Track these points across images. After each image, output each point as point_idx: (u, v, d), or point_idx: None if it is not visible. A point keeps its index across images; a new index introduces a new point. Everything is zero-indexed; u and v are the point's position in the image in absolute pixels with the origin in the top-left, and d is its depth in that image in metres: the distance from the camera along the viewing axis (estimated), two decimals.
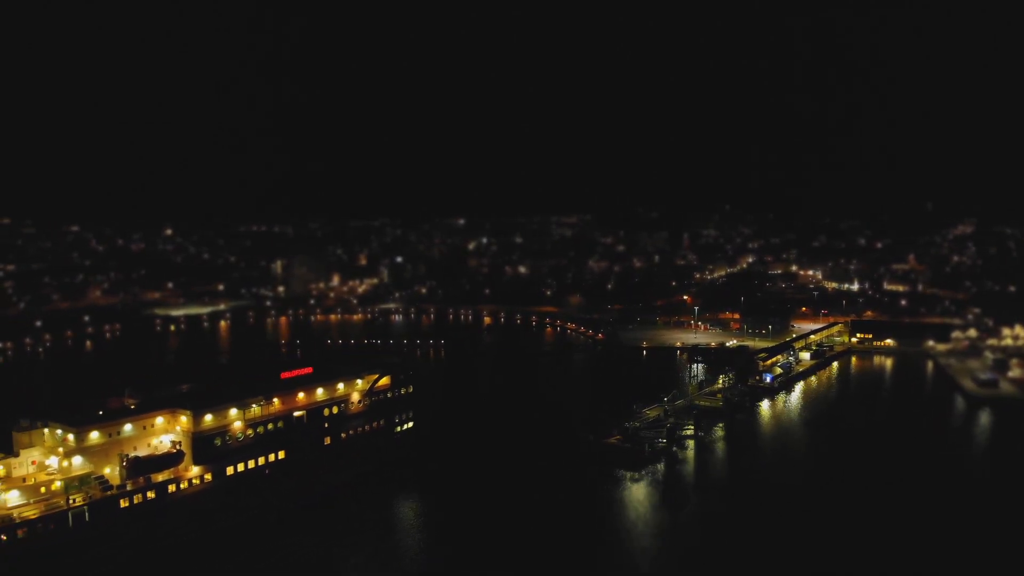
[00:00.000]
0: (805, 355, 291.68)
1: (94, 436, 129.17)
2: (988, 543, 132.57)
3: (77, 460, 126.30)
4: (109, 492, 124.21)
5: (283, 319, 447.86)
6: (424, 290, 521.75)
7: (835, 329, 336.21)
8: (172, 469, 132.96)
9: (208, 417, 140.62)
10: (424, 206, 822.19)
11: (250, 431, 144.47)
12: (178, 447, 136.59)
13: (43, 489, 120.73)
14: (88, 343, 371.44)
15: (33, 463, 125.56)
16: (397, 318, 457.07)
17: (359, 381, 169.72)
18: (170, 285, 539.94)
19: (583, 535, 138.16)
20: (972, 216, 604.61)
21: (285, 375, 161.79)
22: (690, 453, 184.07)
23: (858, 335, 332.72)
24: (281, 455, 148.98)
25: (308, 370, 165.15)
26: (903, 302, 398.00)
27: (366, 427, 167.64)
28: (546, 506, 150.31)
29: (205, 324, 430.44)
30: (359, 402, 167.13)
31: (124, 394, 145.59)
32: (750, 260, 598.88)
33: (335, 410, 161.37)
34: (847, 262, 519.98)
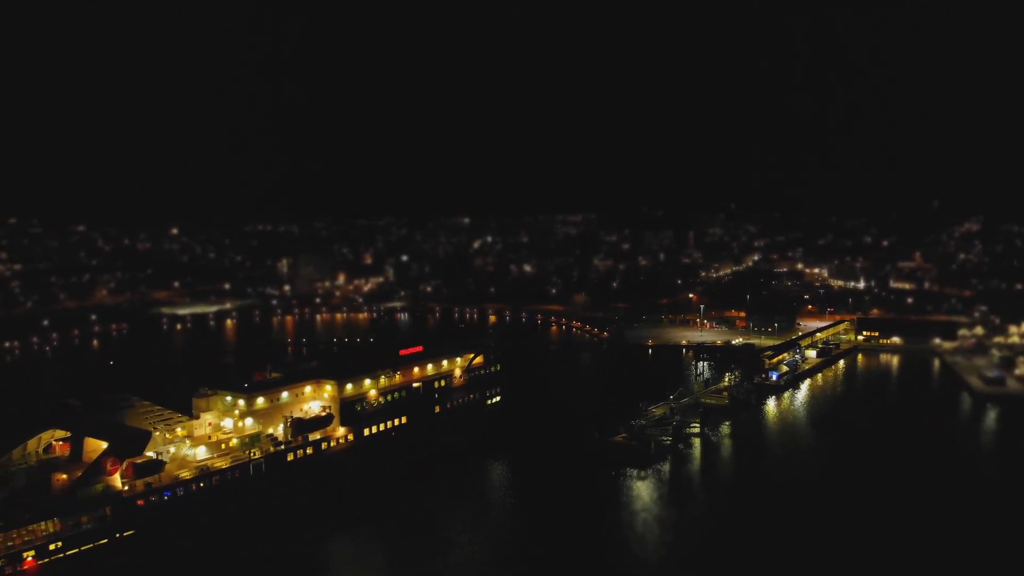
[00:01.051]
0: (811, 353, 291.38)
1: (260, 401, 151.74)
2: (995, 541, 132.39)
3: (249, 421, 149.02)
4: (279, 448, 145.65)
5: (289, 318, 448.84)
6: (429, 289, 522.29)
7: (841, 327, 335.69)
8: (323, 429, 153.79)
9: (349, 386, 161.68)
10: (429, 205, 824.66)
11: (381, 399, 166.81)
12: (327, 411, 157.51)
13: (223, 445, 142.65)
14: (95, 342, 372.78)
15: (209, 424, 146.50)
16: (402, 317, 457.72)
17: (459, 359, 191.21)
18: (176, 284, 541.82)
19: (589, 533, 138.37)
20: (978, 213, 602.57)
21: (403, 352, 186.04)
22: (696, 451, 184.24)
23: (864, 333, 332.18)
24: (404, 420, 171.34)
25: (419, 348, 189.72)
26: (909, 300, 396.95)
27: (465, 399, 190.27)
28: (553, 504, 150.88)
29: (211, 323, 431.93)
30: (460, 377, 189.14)
31: (267, 370, 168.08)
32: (756, 258, 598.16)
33: (442, 383, 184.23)
34: (853, 260, 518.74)
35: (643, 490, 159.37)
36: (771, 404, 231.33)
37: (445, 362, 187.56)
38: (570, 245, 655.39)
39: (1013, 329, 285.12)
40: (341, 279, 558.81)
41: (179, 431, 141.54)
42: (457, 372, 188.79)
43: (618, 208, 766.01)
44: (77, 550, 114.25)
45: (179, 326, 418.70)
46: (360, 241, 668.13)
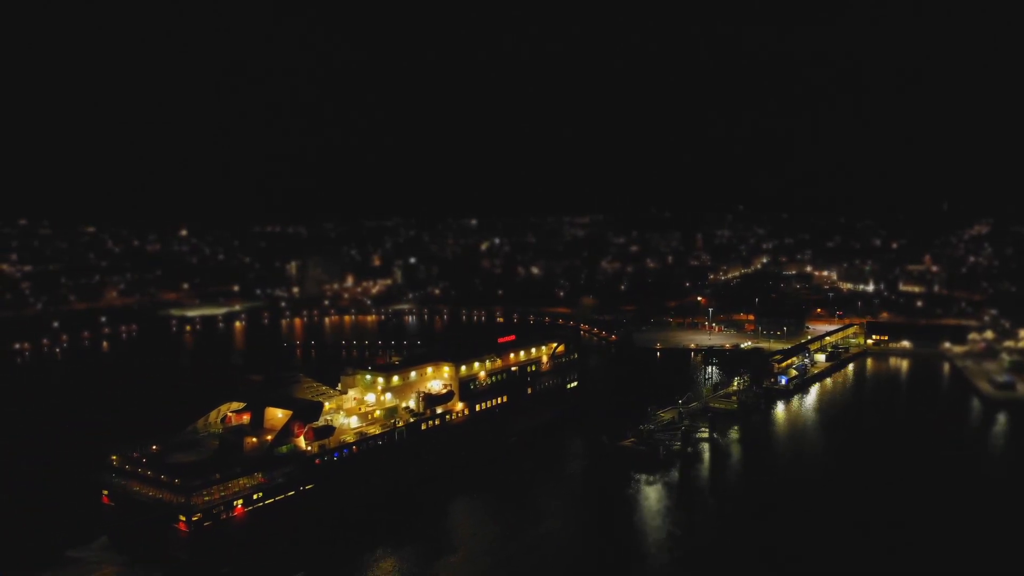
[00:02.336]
0: (820, 357, 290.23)
1: (395, 379, 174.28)
2: (1005, 545, 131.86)
3: (388, 396, 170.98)
4: (415, 418, 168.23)
5: (297, 320, 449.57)
6: (437, 291, 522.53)
7: (850, 331, 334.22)
8: (446, 404, 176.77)
9: (463, 368, 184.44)
10: (438, 206, 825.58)
11: (488, 379, 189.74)
12: (448, 388, 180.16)
13: (369, 416, 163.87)
14: (105, 343, 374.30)
15: (355, 399, 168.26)
16: (410, 319, 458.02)
17: (545, 347, 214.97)
18: (185, 286, 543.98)
19: (598, 536, 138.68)
20: (988, 216, 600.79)
21: (501, 340, 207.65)
22: (705, 456, 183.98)
23: (873, 337, 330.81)
24: (504, 399, 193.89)
25: (513, 337, 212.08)
26: (919, 303, 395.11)
27: (550, 382, 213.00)
28: (562, 508, 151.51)
29: (220, 325, 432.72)
30: (546, 363, 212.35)
31: (389, 355, 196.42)
32: (764, 261, 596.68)
33: (532, 368, 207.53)
34: (862, 263, 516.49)
35: (651, 494, 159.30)
36: (780, 409, 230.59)
37: (534, 350, 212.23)
38: (578, 247, 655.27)
39: (1023, 333, 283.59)
40: (349, 281, 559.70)
41: (334, 403, 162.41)
42: (544, 359, 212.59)
43: (626, 210, 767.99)
44: (272, 500, 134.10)
45: (188, 328, 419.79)
46: (368, 243, 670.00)
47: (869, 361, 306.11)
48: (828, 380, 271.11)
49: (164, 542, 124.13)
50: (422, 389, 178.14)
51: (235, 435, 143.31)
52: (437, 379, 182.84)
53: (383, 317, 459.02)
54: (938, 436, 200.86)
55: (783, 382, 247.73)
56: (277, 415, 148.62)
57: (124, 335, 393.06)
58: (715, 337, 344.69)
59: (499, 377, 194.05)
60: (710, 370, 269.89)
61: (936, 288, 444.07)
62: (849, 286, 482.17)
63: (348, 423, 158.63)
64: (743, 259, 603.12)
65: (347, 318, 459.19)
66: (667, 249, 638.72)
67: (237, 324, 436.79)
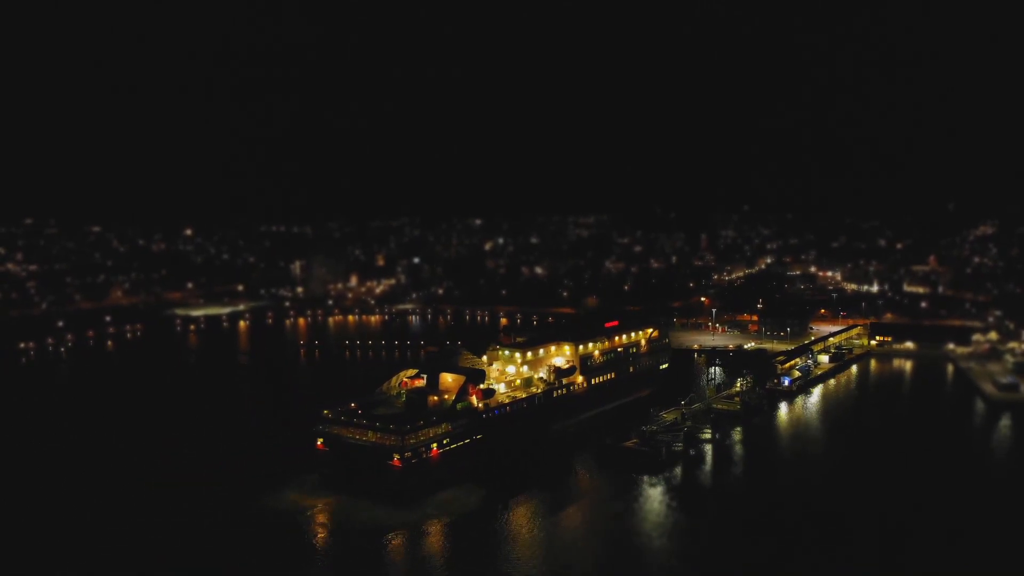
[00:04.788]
0: (824, 358, 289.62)
1: (529, 355, 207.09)
2: (1008, 547, 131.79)
3: (524, 368, 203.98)
4: (549, 387, 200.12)
5: (301, 320, 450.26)
6: (441, 291, 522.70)
7: (854, 331, 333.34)
8: (571, 377, 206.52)
9: (581, 347, 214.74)
10: (442, 206, 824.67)
11: (600, 358, 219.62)
12: (570, 363, 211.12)
13: (511, 384, 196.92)
14: (110, 343, 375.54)
15: (498, 370, 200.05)
16: (414, 319, 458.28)
17: (642, 332, 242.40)
18: (190, 285, 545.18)
19: (602, 538, 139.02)
20: (994, 217, 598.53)
21: (607, 324, 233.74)
22: (708, 457, 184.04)
23: (877, 337, 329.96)
24: (612, 376, 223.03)
25: (616, 323, 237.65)
26: (923, 304, 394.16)
27: (647, 362, 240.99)
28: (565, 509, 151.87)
29: (225, 324, 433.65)
30: (644, 346, 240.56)
31: (512, 336, 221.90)
32: (769, 261, 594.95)
33: (633, 350, 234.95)
34: (867, 263, 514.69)
35: (654, 496, 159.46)
36: (783, 410, 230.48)
37: (633, 334, 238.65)
38: (582, 247, 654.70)
39: None
40: (354, 281, 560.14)
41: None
42: (643, 342, 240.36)
43: (631, 210, 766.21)
44: (455, 445, 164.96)
45: (193, 327, 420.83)
46: (373, 242, 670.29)
47: (873, 362, 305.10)
48: (831, 381, 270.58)
49: (379, 476, 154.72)
50: (550, 363, 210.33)
51: (419, 395, 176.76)
52: (560, 356, 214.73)
53: (387, 317, 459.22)
54: (941, 437, 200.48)
55: (786, 383, 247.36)
56: (448, 379, 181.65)
57: (129, 334, 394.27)
58: (718, 338, 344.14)
59: (609, 356, 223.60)
60: (713, 371, 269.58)
61: (941, 289, 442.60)
62: (853, 287, 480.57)
63: (497, 388, 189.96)
64: (747, 259, 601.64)
65: (351, 318, 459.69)
66: (671, 249, 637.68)
67: (241, 324, 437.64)
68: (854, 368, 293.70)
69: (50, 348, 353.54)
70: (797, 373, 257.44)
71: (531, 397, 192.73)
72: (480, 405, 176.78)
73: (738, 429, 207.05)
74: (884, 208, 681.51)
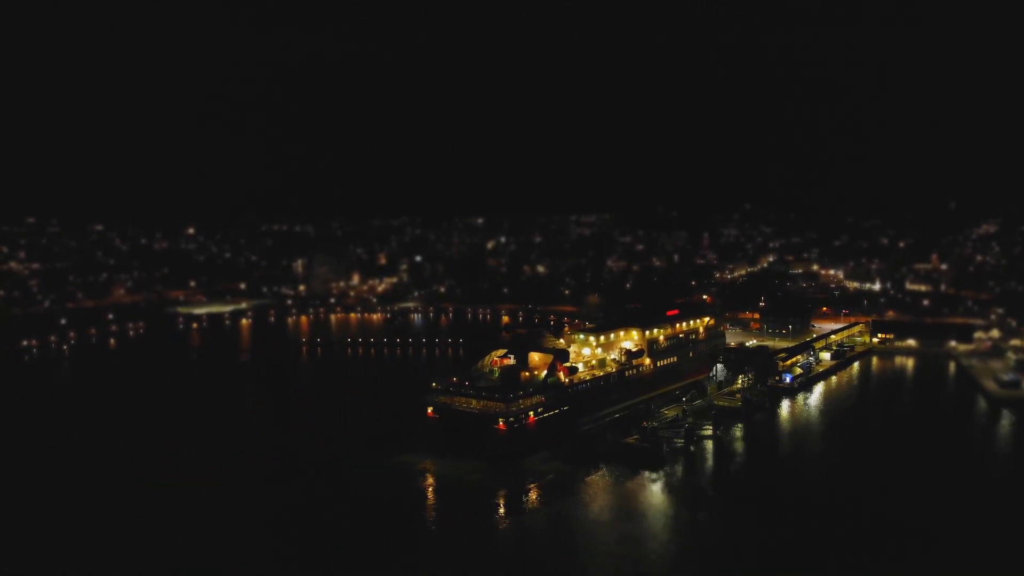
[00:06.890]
0: (825, 355, 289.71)
1: (601, 339, 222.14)
2: (1009, 546, 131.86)
3: (599, 351, 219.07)
4: (621, 367, 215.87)
5: (303, 318, 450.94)
6: (443, 289, 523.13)
7: (856, 329, 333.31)
8: (639, 359, 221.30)
9: (647, 332, 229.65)
10: (444, 205, 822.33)
11: (665, 342, 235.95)
12: (638, 347, 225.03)
13: (587, 364, 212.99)
14: (112, 341, 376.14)
15: (574, 352, 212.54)
16: (416, 317, 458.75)
17: (700, 320, 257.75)
18: (192, 284, 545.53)
19: (600, 536, 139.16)
20: (996, 215, 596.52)
21: (669, 312, 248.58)
22: (708, 454, 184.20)
23: (879, 335, 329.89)
24: (675, 359, 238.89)
25: (676, 311, 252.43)
26: (925, 302, 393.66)
27: (704, 348, 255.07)
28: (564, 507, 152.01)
29: (227, 322, 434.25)
30: (702, 332, 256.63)
31: (584, 323, 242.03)
32: (771, 259, 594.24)
33: (692, 336, 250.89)
34: (869, 261, 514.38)
35: (654, 492, 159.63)
36: (784, 407, 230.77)
37: (694, 321, 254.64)
38: (584, 246, 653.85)
39: None
40: (355, 279, 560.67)
41: None
42: (701, 329, 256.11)
43: (632, 208, 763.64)
44: (547, 414, 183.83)
45: (195, 325, 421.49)
46: (375, 241, 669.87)
47: (874, 359, 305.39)
48: (833, 378, 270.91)
49: (485, 438, 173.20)
50: (620, 346, 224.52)
51: (512, 371, 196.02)
52: (629, 340, 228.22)
53: (389, 315, 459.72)
54: (942, 435, 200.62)
55: (788, 380, 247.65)
56: (536, 358, 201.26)
57: (131, 332, 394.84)
58: None
59: (672, 341, 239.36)
60: (715, 368, 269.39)
61: (943, 287, 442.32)
62: (855, 285, 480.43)
63: (580, 366, 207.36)
64: (749, 258, 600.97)
65: (353, 316, 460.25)
66: (673, 248, 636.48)
67: (244, 322, 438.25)
68: (856, 365, 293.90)
69: (52, 346, 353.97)
70: (799, 370, 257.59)
71: (607, 375, 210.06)
72: (566, 380, 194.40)
73: (739, 426, 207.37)
74: (886, 206, 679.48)
